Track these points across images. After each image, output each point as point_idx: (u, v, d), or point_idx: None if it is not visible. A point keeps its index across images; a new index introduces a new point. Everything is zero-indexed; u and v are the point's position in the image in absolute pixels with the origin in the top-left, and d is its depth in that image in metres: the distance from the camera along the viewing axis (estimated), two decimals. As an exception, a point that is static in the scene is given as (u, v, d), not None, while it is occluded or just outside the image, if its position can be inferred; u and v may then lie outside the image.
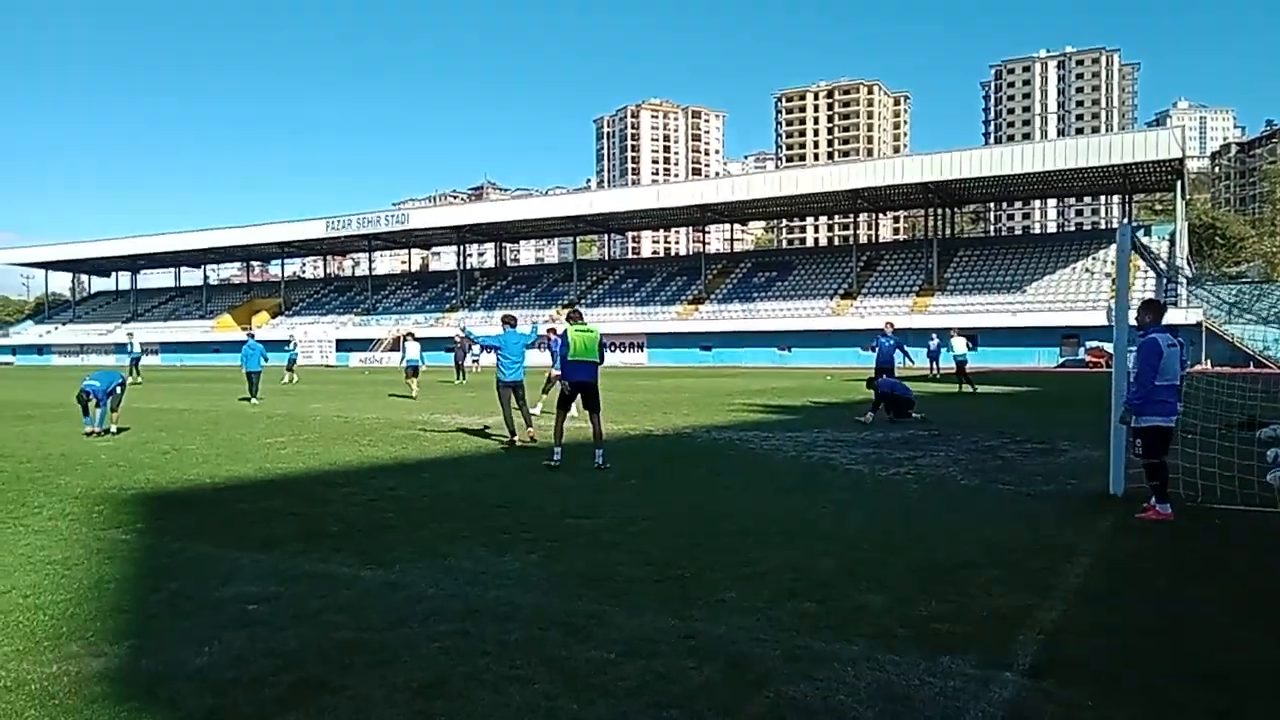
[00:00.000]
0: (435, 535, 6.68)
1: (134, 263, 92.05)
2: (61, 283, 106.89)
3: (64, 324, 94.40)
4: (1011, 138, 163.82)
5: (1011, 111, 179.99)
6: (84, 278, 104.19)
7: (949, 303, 54.87)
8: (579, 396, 10.92)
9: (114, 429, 14.46)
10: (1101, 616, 4.70)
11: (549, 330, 19.15)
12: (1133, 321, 7.94)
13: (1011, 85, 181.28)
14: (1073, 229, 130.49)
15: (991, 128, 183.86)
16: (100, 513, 7.77)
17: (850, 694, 3.65)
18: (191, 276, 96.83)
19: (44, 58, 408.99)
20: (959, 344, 25.83)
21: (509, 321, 13.41)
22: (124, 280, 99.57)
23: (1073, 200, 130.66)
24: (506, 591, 5.17)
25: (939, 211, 62.25)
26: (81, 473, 10.18)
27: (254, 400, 22.63)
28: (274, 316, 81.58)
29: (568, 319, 11.52)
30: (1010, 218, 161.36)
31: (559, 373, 11.84)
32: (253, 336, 25.56)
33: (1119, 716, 3.46)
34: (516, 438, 12.71)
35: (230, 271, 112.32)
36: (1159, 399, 7.26)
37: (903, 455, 11.20)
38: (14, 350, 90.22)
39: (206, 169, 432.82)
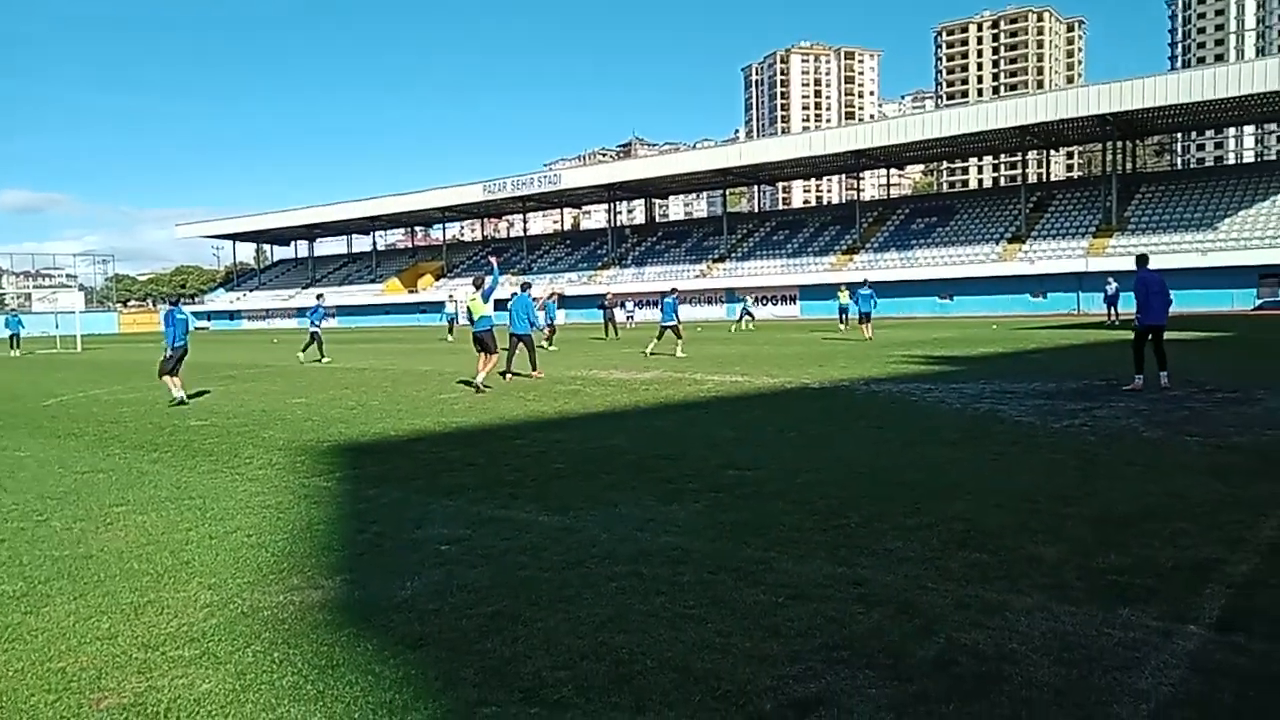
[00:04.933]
0: (604, 485, 7.00)
1: (310, 232, 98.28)
2: (246, 252, 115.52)
3: (250, 291, 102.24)
4: (1202, 60, 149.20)
5: (1203, 31, 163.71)
6: (266, 247, 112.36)
7: (1130, 243, 51.07)
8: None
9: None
10: (1302, 573, 4.44)
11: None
12: None
13: (1203, 2, 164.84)
14: (1274, 157, 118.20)
15: (1179, 50, 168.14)
16: (303, 462, 8.54)
17: (1024, 642, 3.65)
18: (361, 243, 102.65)
19: (222, 47, 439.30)
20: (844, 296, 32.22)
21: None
22: (302, 249, 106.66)
23: (1273, 126, 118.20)
24: (675, 538, 5.39)
25: (1118, 145, 57.77)
26: (281, 427, 11.17)
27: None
28: (437, 279, 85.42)
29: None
30: (1200, 148, 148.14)
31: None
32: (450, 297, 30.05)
33: (1320, 674, 3.31)
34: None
35: (396, 237, 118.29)
36: None
37: (1077, 407, 10.71)
38: (209, 316, 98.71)
39: (369, 139, 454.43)
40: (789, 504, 6.15)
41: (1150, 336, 12.52)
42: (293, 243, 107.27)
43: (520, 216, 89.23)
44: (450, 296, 35.59)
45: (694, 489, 6.71)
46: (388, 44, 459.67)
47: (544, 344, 26.47)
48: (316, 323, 25.64)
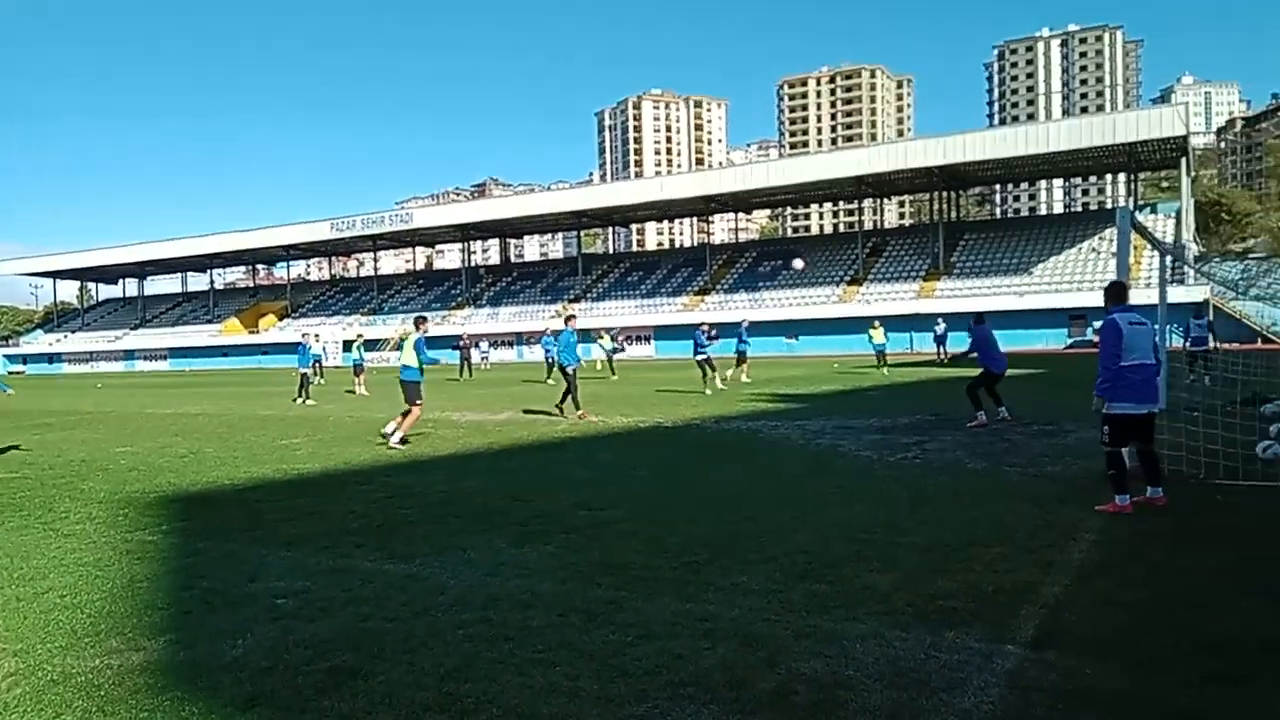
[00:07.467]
0: (453, 529, 6.85)
1: (140, 269, 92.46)
2: (69, 291, 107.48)
3: (73, 332, 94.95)
4: (1016, 118, 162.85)
5: (1015, 92, 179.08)
6: (91, 286, 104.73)
7: (956, 286, 54.82)
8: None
9: None
10: (1103, 590, 4.84)
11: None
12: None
13: (1015, 65, 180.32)
14: (1079, 209, 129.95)
15: (996, 109, 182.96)
16: (125, 516, 7.96)
17: (859, 669, 3.81)
18: (198, 282, 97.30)
19: (44, 67, 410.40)
20: (878, 335, 32.08)
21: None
22: (131, 287, 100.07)
23: (1079, 180, 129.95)
24: (525, 581, 5.34)
25: (944, 195, 62.13)
26: (103, 478, 10.39)
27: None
28: (281, 319, 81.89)
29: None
30: (1016, 199, 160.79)
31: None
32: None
33: (1117, 684, 3.60)
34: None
35: (236, 275, 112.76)
36: (1126, 382, 6.82)
37: (910, 440, 11.33)
38: (24, 359, 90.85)
39: (208, 175, 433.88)
40: (640, 542, 6.20)
41: (986, 383, 13.40)
42: (120, 281, 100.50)
43: (371, 255, 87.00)
44: (316, 336, 33.48)
45: (545, 531, 6.67)
46: (230, 70, 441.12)
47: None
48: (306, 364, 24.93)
